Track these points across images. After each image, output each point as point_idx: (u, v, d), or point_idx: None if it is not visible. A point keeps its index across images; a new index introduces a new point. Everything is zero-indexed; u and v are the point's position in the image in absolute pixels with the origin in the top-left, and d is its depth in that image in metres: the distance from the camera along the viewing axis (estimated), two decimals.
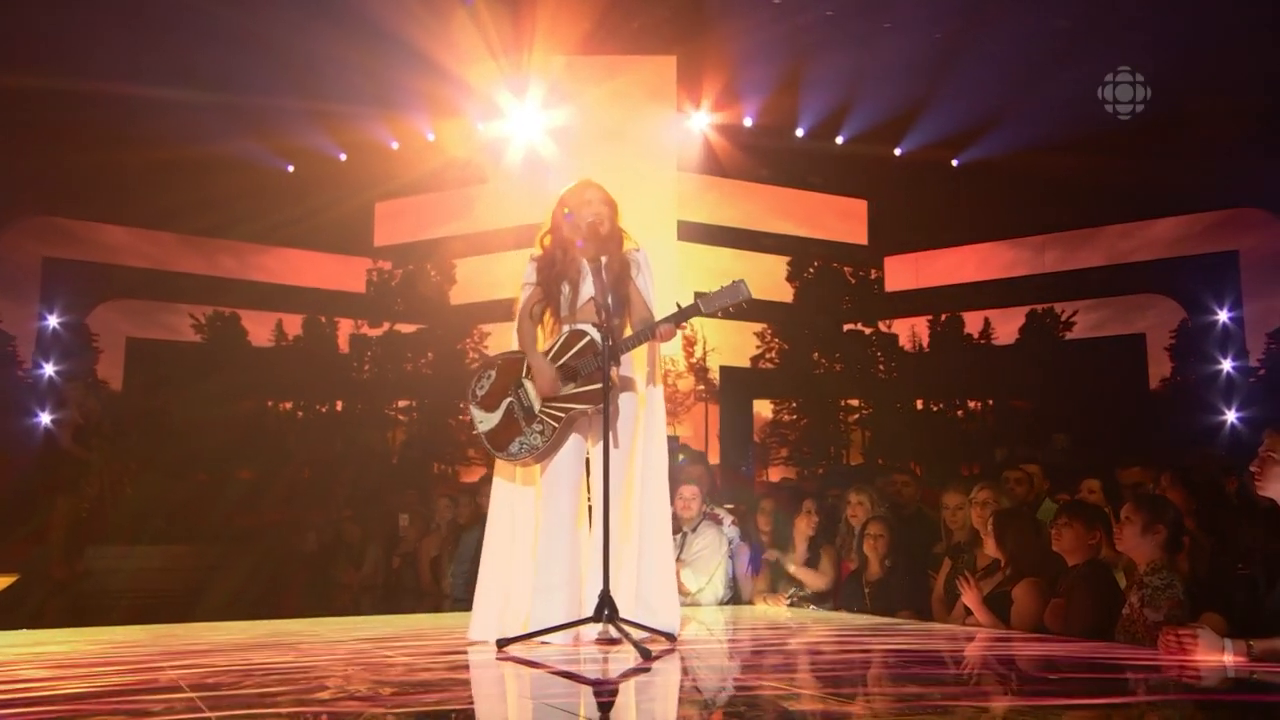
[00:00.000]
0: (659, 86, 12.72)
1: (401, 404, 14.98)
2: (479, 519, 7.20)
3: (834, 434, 12.35)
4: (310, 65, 11.80)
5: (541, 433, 4.32)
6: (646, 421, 4.47)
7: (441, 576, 7.31)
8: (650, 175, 12.65)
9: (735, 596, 6.36)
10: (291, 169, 13.71)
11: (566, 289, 4.41)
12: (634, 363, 4.45)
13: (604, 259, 4.34)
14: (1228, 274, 13.79)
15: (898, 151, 13.14)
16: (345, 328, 14.89)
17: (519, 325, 4.47)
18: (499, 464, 4.56)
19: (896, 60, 12.00)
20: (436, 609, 6.97)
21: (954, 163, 13.31)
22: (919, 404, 13.19)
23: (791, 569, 6.04)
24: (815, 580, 5.99)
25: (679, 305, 4.23)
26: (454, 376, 14.46)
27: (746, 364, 12.81)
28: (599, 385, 4.26)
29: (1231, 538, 4.22)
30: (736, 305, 4.33)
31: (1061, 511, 4.92)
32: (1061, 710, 2.90)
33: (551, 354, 4.34)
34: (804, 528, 6.09)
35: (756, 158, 12.77)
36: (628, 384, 4.40)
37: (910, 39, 11.84)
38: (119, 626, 5.39)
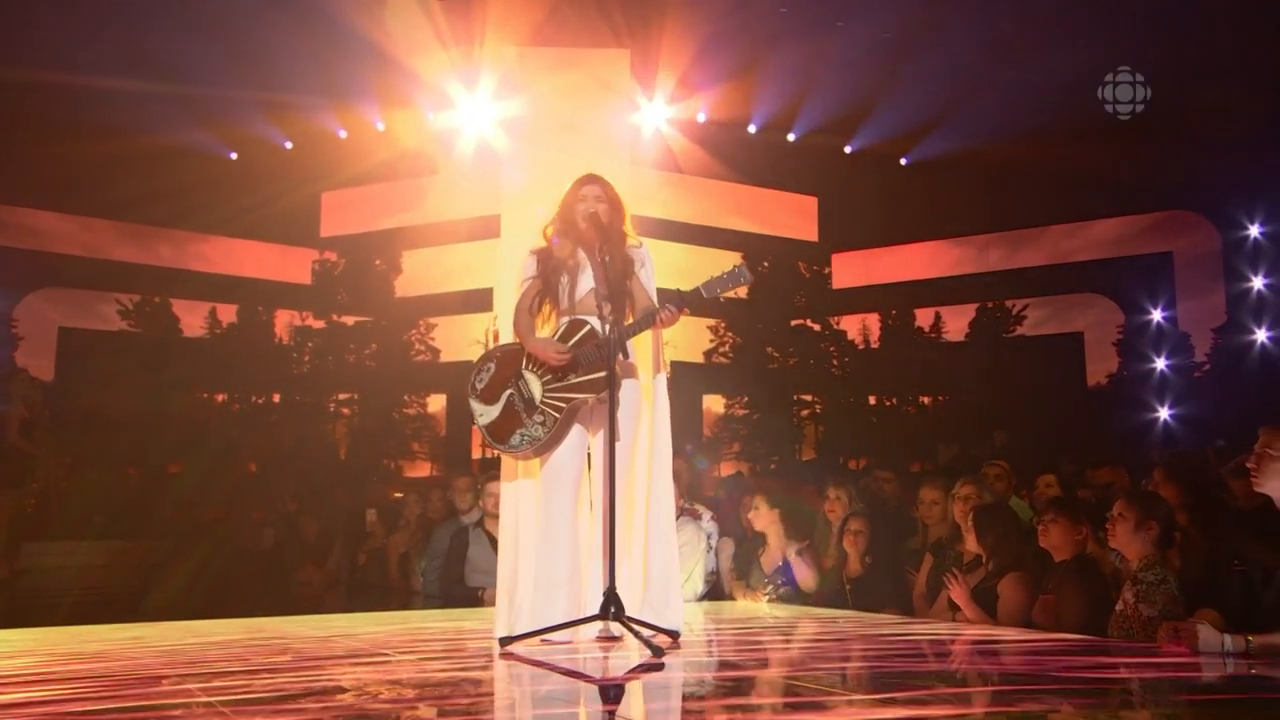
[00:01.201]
0: (612, 80, 12.66)
1: (343, 396, 14.72)
2: (451, 514, 7.15)
3: (786, 429, 12.42)
4: (258, 53, 11.55)
5: (543, 424, 4.28)
6: (651, 413, 4.46)
7: (411, 573, 7.22)
8: (603, 170, 12.49)
9: (712, 592, 6.37)
10: (235, 157, 13.38)
11: (565, 280, 4.38)
12: (637, 353, 4.43)
13: (606, 254, 4.30)
14: (1163, 274, 14.19)
15: (848, 149, 13.25)
16: (285, 318, 14.57)
17: (516, 317, 4.43)
18: (506, 461, 4.53)
19: (848, 57, 12.09)
20: (405, 606, 6.87)
21: (903, 161, 13.46)
22: (871, 399, 13.33)
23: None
24: (808, 578, 6.00)
25: (680, 290, 4.21)
26: (399, 369, 14.27)
27: (700, 359, 12.86)
28: (600, 375, 4.23)
29: (1225, 534, 4.31)
30: (738, 286, 4.35)
31: (1048, 508, 5.01)
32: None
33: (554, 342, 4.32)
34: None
35: (710, 153, 12.78)
36: (630, 374, 4.37)
37: (861, 37, 11.94)
38: (88, 625, 5.22)
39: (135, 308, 13.89)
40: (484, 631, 4.65)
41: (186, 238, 14.10)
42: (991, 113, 12.07)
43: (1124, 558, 4.86)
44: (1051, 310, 14.26)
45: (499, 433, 4.36)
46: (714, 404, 13.19)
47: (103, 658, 4.06)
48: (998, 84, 11.73)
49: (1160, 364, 13.86)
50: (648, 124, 12.74)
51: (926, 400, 13.71)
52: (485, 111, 12.62)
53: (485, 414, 4.39)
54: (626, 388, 4.32)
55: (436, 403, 14.54)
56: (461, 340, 13.72)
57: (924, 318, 14.04)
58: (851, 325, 14.01)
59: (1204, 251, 14.07)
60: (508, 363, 4.41)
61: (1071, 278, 14.21)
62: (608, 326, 4.19)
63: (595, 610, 4.17)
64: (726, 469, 12.03)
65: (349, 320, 14.52)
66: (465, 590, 6.27)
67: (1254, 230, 13.66)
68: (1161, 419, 13.51)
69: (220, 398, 14.25)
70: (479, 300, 13.02)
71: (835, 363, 13.16)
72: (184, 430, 11.95)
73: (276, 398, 14.54)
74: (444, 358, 14.03)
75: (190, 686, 3.18)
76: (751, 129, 13.07)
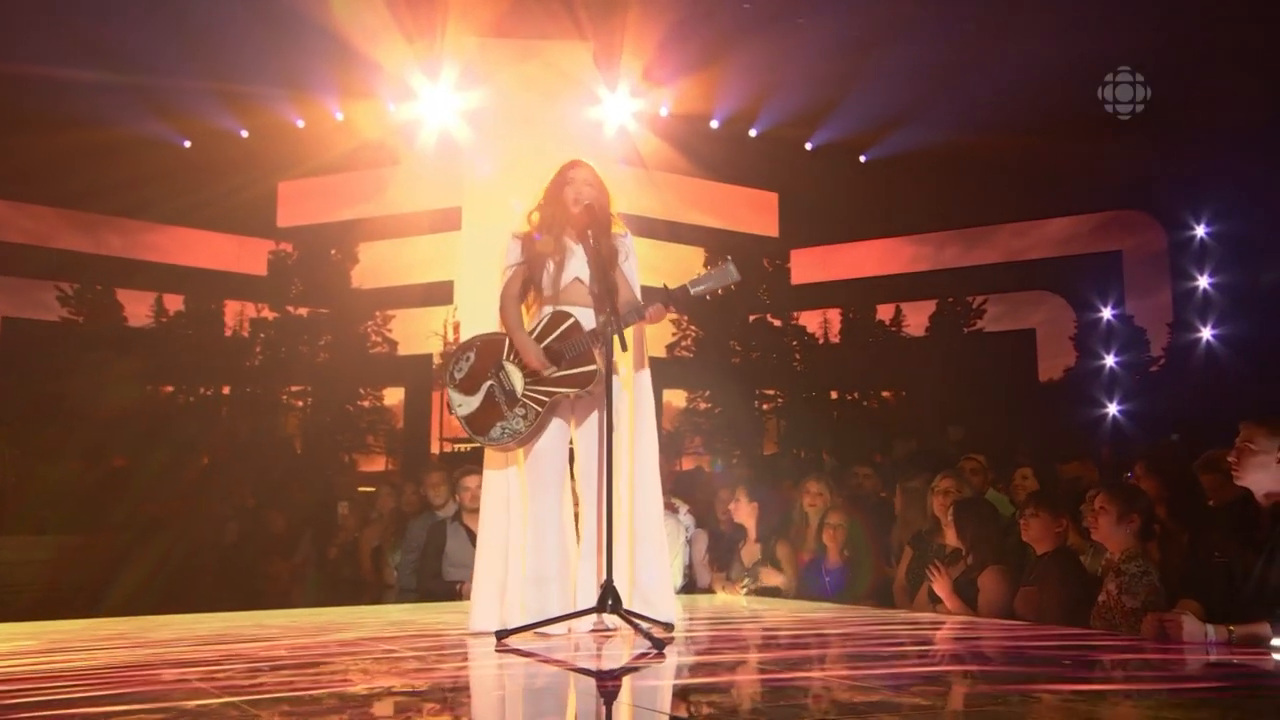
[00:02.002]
0: (575, 73, 12.64)
1: (295, 389, 14.51)
2: (425, 508, 7.10)
3: (748, 423, 12.48)
4: (214, 42, 11.38)
5: (524, 417, 4.25)
6: (635, 407, 4.44)
7: (384, 567, 7.16)
8: (565, 162, 12.55)
9: (689, 585, 6.40)
10: (189, 145, 13.14)
11: (551, 267, 4.33)
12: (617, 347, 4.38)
13: (598, 242, 4.27)
14: (1112, 273, 14.47)
15: (809, 145, 13.35)
16: (235, 309, 14.32)
17: (503, 305, 4.36)
18: (488, 453, 4.48)
19: (810, 54, 12.18)
20: (379, 600, 6.83)
21: (862, 158, 13.58)
22: (834, 394, 13.45)
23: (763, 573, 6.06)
24: (775, 578, 6.05)
25: (666, 286, 4.21)
26: (354, 362, 14.10)
27: (662, 353, 12.87)
28: (584, 369, 4.22)
29: (1205, 526, 4.42)
30: (725, 287, 4.36)
31: (1029, 501, 5.10)
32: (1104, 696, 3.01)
33: (534, 336, 4.28)
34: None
35: (673, 147, 12.80)
36: (614, 369, 4.35)
37: (823, 34, 12.03)
38: (58, 621, 5.12)
39: (75, 295, 13.54)
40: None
41: (137, 227, 13.81)
42: (949, 112, 12.24)
43: (1098, 550, 4.97)
44: (1005, 307, 14.48)
45: (479, 424, 4.29)
46: (675, 398, 13.22)
47: (98, 655, 3.98)
48: (955, 83, 11.89)
49: (1110, 360, 14.14)
50: (610, 117, 12.73)
51: (888, 395, 13.86)
52: (447, 103, 12.54)
53: (464, 404, 4.31)
54: (611, 383, 4.30)
55: (393, 396, 14.39)
56: (420, 333, 13.62)
57: (885, 313, 14.19)
58: (810, 320, 14.12)
59: (1152, 251, 14.37)
60: (488, 352, 4.34)
61: (1024, 275, 14.45)
62: (600, 319, 4.20)
63: (585, 603, 4.20)
64: (687, 464, 12.07)
65: (303, 312, 14.32)
66: (442, 584, 6.24)
67: (1200, 230, 13.96)
68: (1111, 414, 13.78)
69: (167, 389, 13.98)
70: (440, 293, 12.94)
71: (798, 357, 13.25)
72: (139, 423, 11.70)
73: (226, 390, 14.30)
74: (402, 350, 13.89)
75: (200, 685, 3.13)
76: (714, 124, 13.12)
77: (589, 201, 4.34)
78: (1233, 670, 3.52)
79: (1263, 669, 3.60)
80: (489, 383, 4.27)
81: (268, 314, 13.96)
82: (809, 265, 14.54)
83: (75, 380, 12.01)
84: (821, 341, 13.77)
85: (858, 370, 13.53)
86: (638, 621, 3.97)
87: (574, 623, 4.20)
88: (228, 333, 14.24)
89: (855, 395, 13.49)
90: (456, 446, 12.34)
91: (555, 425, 4.29)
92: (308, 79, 12.30)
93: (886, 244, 14.59)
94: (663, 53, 12.43)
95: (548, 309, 4.29)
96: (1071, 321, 14.30)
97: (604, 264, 4.22)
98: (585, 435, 4.32)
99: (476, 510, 6.39)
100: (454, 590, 6.19)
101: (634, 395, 4.47)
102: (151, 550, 8.74)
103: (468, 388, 4.32)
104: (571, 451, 4.43)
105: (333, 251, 14.04)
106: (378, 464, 14.36)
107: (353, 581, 7.41)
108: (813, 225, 13.96)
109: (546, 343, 4.24)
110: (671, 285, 4.19)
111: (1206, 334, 13.68)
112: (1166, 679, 3.36)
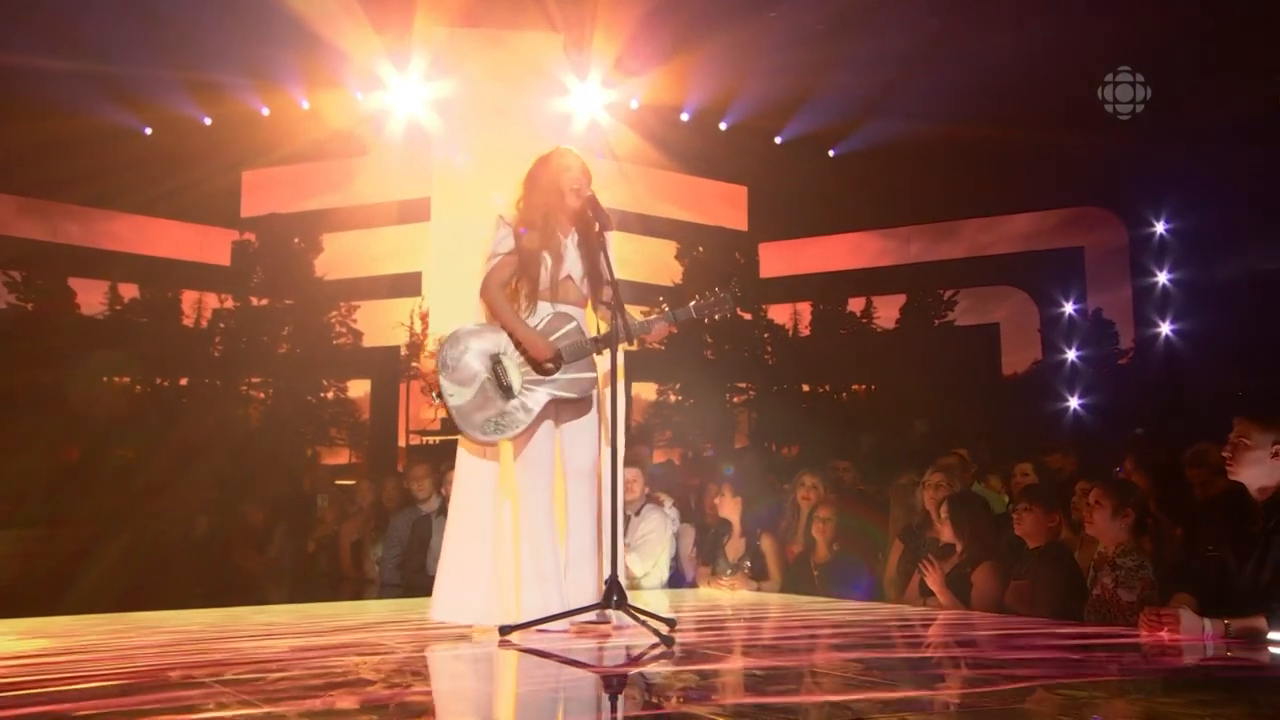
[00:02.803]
0: (545, 64, 12.58)
1: (256, 380, 14.27)
2: (408, 502, 7.03)
3: (719, 416, 12.49)
4: (176, 29, 11.19)
5: (518, 412, 4.21)
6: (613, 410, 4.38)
7: (365, 561, 7.08)
8: (536, 153, 12.48)
9: (676, 580, 6.39)
10: (149, 132, 12.90)
11: (548, 262, 4.25)
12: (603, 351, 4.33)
13: (601, 236, 4.22)
14: (1074, 268, 14.66)
15: (778, 139, 13.38)
16: (193, 298, 14.05)
17: (492, 296, 4.21)
18: (465, 443, 4.35)
19: (780, 47, 12.21)
20: (359, 594, 6.75)
21: (830, 153, 13.64)
22: (805, 387, 13.51)
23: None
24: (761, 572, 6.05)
25: (667, 308, 4.23)
26: (316, 353, 13.89)
27: (633, 345, 12.82)
28: (583, 375, 4.21)
29: (1199, 521, 4.48)
30: (723, 314, 4.41)
31: (1021, 496, 5.14)
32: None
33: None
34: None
35: (643, 140, 12.78)
36: (596, 371, 4.32)
37: (793, 27, 12.06)
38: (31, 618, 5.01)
39: (24, 281, 13.23)
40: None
41: (96, 215, 13.56)
42: (916, 106, 12.32)
43: (1089, 544, 5.02)
44: (970, 302, 14.62)
45: (468, 416, 4.18)
46: (646, 391, 13.20)
47: (89, 650, 3.90)
48: (921, 78, 11.97)
49: (1072, 355, 14.33)
50: (581, 109, 12.67)
51: (859, 388, 13.95)
52: (416, 92, 12.42)
53: (457, 395, 4.17)
54: (617, 387, 4.25)
55: (358, 388, 14.21)
56: (386, 324, 13.49)
57: (855, 305, 14.29)
58: (779, 314, 14.16)
59: (1113, 247, 14.57)
60: (485, 343, 4.26)
61: (988, 270, 14.60)
62: (601, 321, 4.18)
63: (576, 602, 4.17)
64: (658, 456, 12.06)
65: (265, 302, 14.08)
66: (427, 579, 6.14)
67: (1160, 227, 14.17)
68: (1072, 408, 13.96)
69: (123, 380, 13.68)
70: (408, 284, 12.82)
71: (769, 350, 13.29)
72: (100, 415, 11.50)
73: (185, 381, 14.04)
74: (368, 342, 13.71)
75: (204, 679, 3.07)
76: (685, 116, 13.12)
77: (590, 194, 4.27)
78: (1231, 663, 3.57)
79: (1260, 662, 3.66)
80: (484, 375, 4.19)
81: (230, 304, 13.70)
82: (777, 259, 14.59)
83: (34, 371, 11.78)
84: (791, 334, 13.81)
85: (828, 363, 13.59)
86: (644, 618, 3.95)
87: (573, 617, 4.17)
88: (188, 323, 13.97)
89: (826, 388, 13.55)
90: (425, 439, 12.25)
91: (544, 428, 4.23)
92: (273, 67, 12.14)
93: (854, 238, 14.69)
94: (633, 43, 12.40)
95: (546, 307, 4.20)
96: (1035, 316, 14.46)
97: (590, 257, 4.19)
98: (573, 435, 4.27)
99: None
100: None
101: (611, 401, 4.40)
102: (117, 543, 8.61)
103: (462, 379, 4.22)
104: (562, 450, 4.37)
105: (296, 240, 13.79)
106: (341, 457, 14.18)
107: (331, 576, 7.32)
108: (781, 219, 14.01)
109: (551, 341, 4.20)
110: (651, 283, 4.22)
111: (1166, 329, 13.91)
112: (1165, 672, 3.41)
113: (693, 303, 4.31)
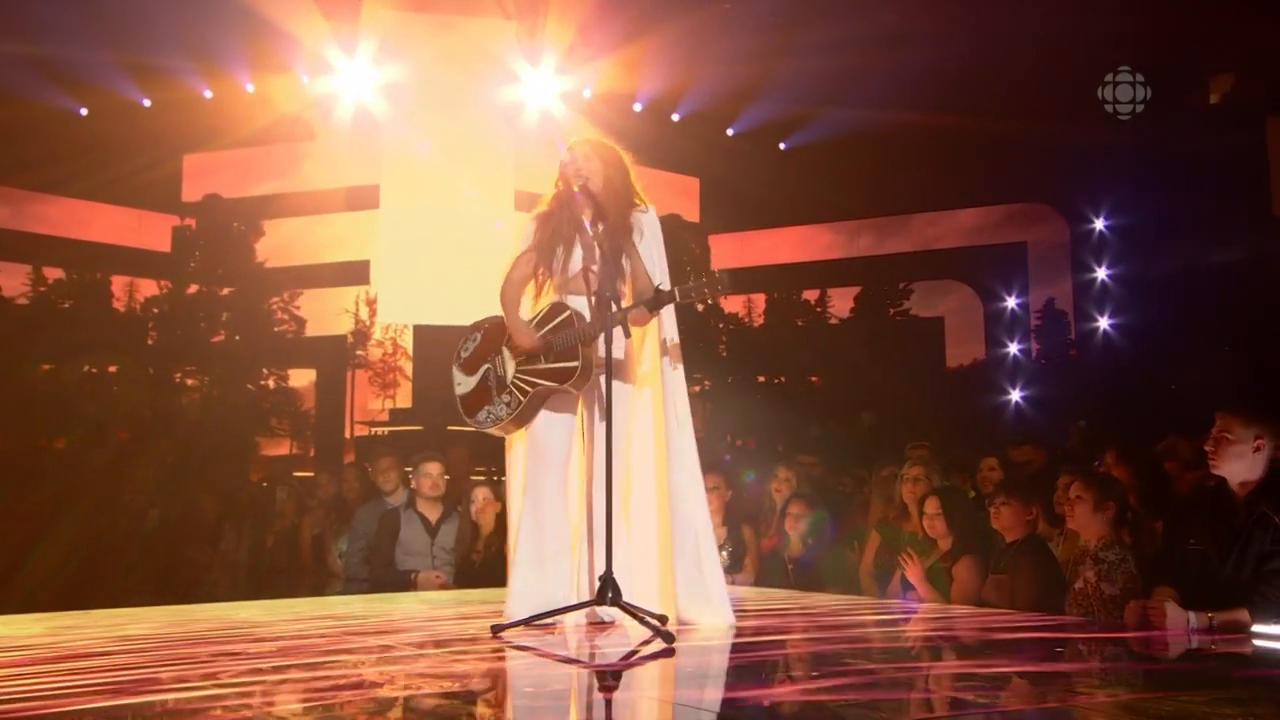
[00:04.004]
0: (497, 50, 12.40)
1: (191, 368, 13.91)
2: (373, 494, 6.89)
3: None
4: (117, 9, 10.86)
5: (508, 404, 4.17)
6: (640, 401, 4.29)
7: (326, 555, 6.93)
8: (487, 142, 12.37)
9: None
10: (85, 112, 12.49)
11: (561, 251, 4.21)
12: (638, 337, 4.24)
13: (599, 226, 4.15)
14: (1017, 263, 14.91)
15: (730, 131, 13.39)
16: (129, 284, 13.66)
17: (502, 288, 4.22)
18: (509, 438, 4.34)
19: (732, 38, 12.20)
20: (321, 590, 6.62)
21: (781, 146, 13.68)
22: (761, 378, 13.54)
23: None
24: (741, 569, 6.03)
25: (659, 290, 4.12)
26: (257, 341, 13.57)
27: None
28: (565, 364, 4.14)
29: (1179, 514, 4.54)
30: (715, 295, 4.36)
31: (999, 490, 5.19)
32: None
33: (532, 325, 4.18)
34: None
35: (597, 129, 12.65)
36: (617, 366, 4.23)
37: (746, 19, 12.06)
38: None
39: None
40: (462, 616, 4.52)
41: (27, 198, 13.08)
42: (868, 98, 12.39)
43: (1066, 537, 5.09)
44: (916, 295, 14.79)
45: (470, 406, 4.28)
46: None
47: (79, 651, 3.75)
48: (875, 71, 12.03)
49: (1014, 348, 14.59)
50: (533, 96, 12.53)
51: (816, 380, 14.03)
52: (364, 77, 12.18)
53: (463, 384, 4.31)
54: (602, 378, 4.16)
55: (301, 377, 13.93)
56: (330, 311, 13.25)
57: (810, 295, 14.37)
58: (730, 305, 14.19)
59: (1055, 242, 14.84)
60: (492, 336, 4.27)
61: (934, 265, 14.78)
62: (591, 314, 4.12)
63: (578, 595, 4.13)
64: None
65: (205, 289, 13.72)
66: (395, 573, 6.06)
67: (1099, 223, 14.46)
68: (1014, 400, 14.20)
69: (45, 367, 13.23)
70: (356, 273, 12.59)
71: (723, 341, 13.31)
72: (35, 403, 11.12)
73: (113, 369, 13.63)
74: (314, 331, 13.42)
75: (194, 679, 2.96)
76: (637, 107, 13.05)
77: (584, 181, 4.20)
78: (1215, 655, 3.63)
79: (1243, 654, 3.73)
80: (486, 366, 4.23)
81: (167, 289, 13.31)
82: (727, 251, 14.62)
83: None
84: (746, 323, 13.84)
85: (781, 354, 13.64)
86: (643, 615, 3.90)
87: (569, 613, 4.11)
88: (119, 307, 13.57)
89: (782, 379, 13.61)
90: (374, 430, 12.07)
91: (557, 415, 4.18)
92: (216, 50, 11.81)
93: (803, 231, 14.77)
94: (586, 30, 12.29)
95: (552, 298, 4.19)
96: (980, 310, 14.67)
97: (609, 247, 4.10)
98: (589, 427, 4.22)
99: (433, 498, 6.33)
100: (408, 580, 6.03)
101: (651, 389, 4.29)
102: (61, 538, 8.33)
103: (469, 368, 4.30)
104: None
105: (236, 224, 13.45)
106: (283, 447, 13.88)
107: (290, 570, 7.16)
108: (732, 211, 14.01)
109: (542, 333, 4.14)
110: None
111: (1104, 324, 14.19)
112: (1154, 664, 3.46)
113: (678, 287, 4.18)
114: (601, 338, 4.01)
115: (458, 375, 4.28)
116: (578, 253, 4.18)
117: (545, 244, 4.19)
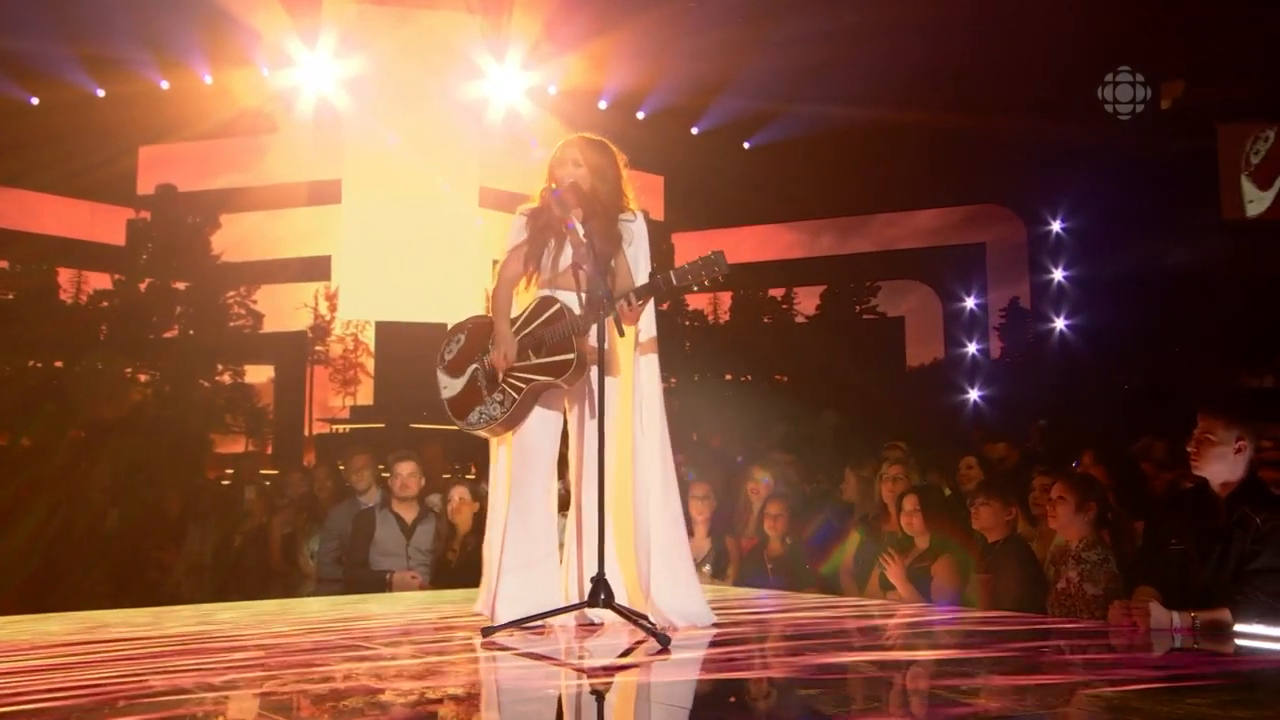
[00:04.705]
0: (460, 44, 12.30)
1: (140, 363, 13.62)
2: (346, 493, 6.77)
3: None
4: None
5: (501, 403, 4.08)
6: (623, 397, 4.26)
7: (297, 555, 6.80)
8: (452, 137, 12.26)
9: None
10: (35, 102, 12.19)
11: (552, 247, 4.16)
12: (613, 334, 4.22)
13: (590, 222, 4.10)
14: (976, 264, 15.07)
15: (695, 130, 13.38)
16: (76, 277, 13.37)
17: (495, 287, 4.16)
18: (492, 440, 4.28)
19: (698, 36, 12.19)
20: (292, 591, 6.48)
21: (745, 145, 13.71)
22: (728, 375, 13.56)
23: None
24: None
25: (653, 275, 4.05)
26: (211, 336, 13.33)
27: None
28: (559, 358, 4.09)
29: (1160, 514, 4.58)
30: (713, 278, 4.20)
31: (979, 489, 5.20)
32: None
33: (520, 321, 4.12)
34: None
35: (562, 126, 12.58)
36: (606, 357, 4.18)
37: (712, 15, 12.06)
38: None
39: None
40: (448, 618, 4.45)
41: None
42: (831, 96, 12.45)
43: (1042, 536, 5.12)
44: (878, 295, 14.89)
45: (459, 408, 4.14)
46: None
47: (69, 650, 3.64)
48: (835, 68, 12.09)
49: (972, 348, 14.74)
50: (497, 92, 12.43)
51: (782, 378, 14.07)
52: (326, 70, 12.01)
53: (450, 387, 4.16)
54: (594, 371, 4.14)
55: (259, 374, 13.70)
56: (289, 307, 13.06)
57: (776, 293, 14.42)
58: (695, 302, 14.19)
59: (1012, 244, 15.01)
60: (477, 336, 4.16)
61: (895, 265, 14.89)
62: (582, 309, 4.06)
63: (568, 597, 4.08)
64: None
65: (159, 282, 13.45)
66: (370, 574, 5.96)
67: (1056, 225, 14.65)
68: (972, 399, 14.35)
69: None
70: (316, 268, 12.42)
71: (689, 341, 13.30)
72: None
73: (59, 364, 13.32)
74: (272, 326, 13.21)
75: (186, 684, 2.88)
76: (602, 104, 13.00)
77: (571, 181, 4.15)
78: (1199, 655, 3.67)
79: (1225, 653, 3.77)
80: (474, 366, 4.12)
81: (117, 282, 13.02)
82: (692, 249, 14.59)
83: None
84: (712, 321, 13.85)
85: (747, 352, 13.67)
86: (635, 617, 3.86)
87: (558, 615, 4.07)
88: (65, 298, 13.28)
89: (749, 377, 13.64)
90: (335, 428, 11.91)
91: (545, 413, 4.12)
92: (173, 41, 11.59)
93: (766, 230, 14.81)
94: (552, 26, 12.22)
95: (541, 293, 4.12)
96: (939, 310, 14.81)
97: (598, 248, 4.05)
98: (576, 425, 4.18)
99: (407, 498, 6.23)
100: (382, 580, 5.93)
101: (633, 384, 4.26)
102: (15, 538, 8.12)
103: (455, 370, 4.16)
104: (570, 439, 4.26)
105: (191, 218, 13.18)
106: (238, 445, 13.65)
107: (259, 571, 7.02)
108: (696, 209, 14.00)
109: (531, 328, 4.07)
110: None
111: (1060, 324, 14.39)
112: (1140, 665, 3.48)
113: (672, 270, 4.06)
114: (594, 334, 3.97)
115: (443, 379, 4.15)
116: (568, 249, 4.14)
117: (536, 240, 4.13)
